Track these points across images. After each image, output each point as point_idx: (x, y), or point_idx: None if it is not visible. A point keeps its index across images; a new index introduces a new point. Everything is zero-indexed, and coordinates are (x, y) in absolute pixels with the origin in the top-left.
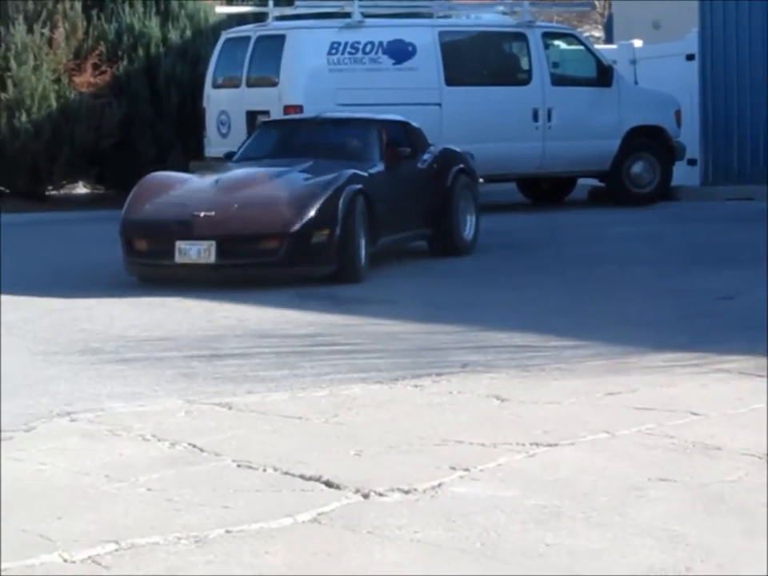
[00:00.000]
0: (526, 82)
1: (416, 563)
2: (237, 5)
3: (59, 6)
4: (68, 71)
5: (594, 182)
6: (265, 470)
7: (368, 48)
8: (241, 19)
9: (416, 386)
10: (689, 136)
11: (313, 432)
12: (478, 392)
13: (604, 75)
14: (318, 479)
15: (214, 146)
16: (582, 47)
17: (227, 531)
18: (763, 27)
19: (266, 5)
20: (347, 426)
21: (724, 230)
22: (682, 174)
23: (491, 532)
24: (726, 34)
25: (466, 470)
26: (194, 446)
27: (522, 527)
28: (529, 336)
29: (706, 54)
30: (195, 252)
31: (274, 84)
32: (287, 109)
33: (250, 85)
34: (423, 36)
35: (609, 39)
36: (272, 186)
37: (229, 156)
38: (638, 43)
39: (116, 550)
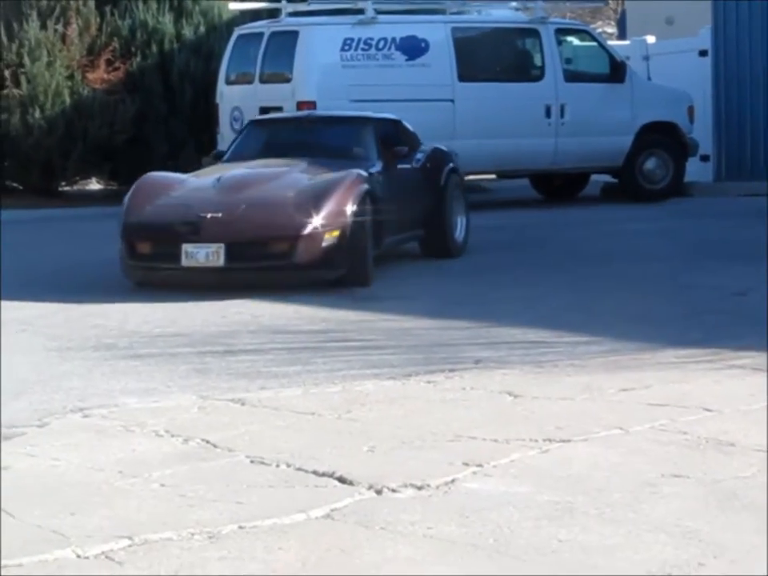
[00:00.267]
0: (538, 78)
1: (429, 559)
2: (250, 1)
3: (72, 3)
4: (81, 67)
5: (607, 178)
6: (278, 466)
7: (381, 44)
8: (254, 15)
9: (429, 382)
10: (702, 132)
11: (326, 428)
12: (491, 388)
13: (617, 71)
14: (330, 475)
15: (227, 143)
16: (594, 43)
17: (240, 527)
18: None
19: (279, 1)
20: (360, 421)
21: (737, 226)
22: (695, 170)
23: (504, 528)
24: (739, 30)
25: (479, 465)
26: (208, 442)
27: (535, 523)
28: (542, 332)
29: (719, 50)
30: (203, 255)
31: (288, 80)
32: (300, 105)
33: (263, 81)
34: (436, 32)
35: (622, 35)
36: (276, 186)
37: (218, 156)
38: (650, 39)
39: (129, 546)
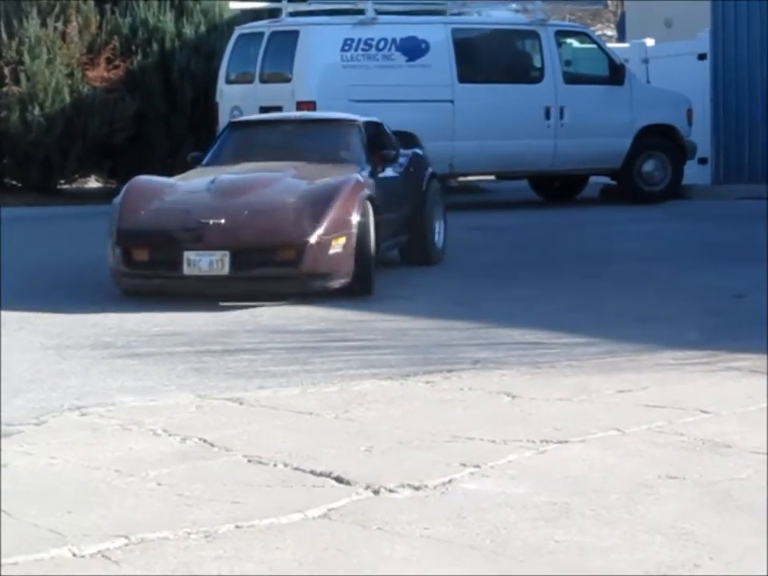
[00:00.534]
0: (538, 79)
1: (426, 559)
2: (251, 1)
3: (73, 1)
4: (81, 65)
5: (606, 179)
6: (275, 466)
7: (381, 45)
8: (255, 15)
9: (427, 383)
10: (700, 135)
11: (323, 428)
12: (489, 389)
13: (616, 74)
14: (328, 475)
15: None
16: (594, 45)
17: (237, 526)
18: None
19: (279, 1)
20: (358, 421)
21: (735, 229)
22: (693, 173)
23: (501, 529)
24: (738, 33)
25: (477, 466)
26: (205, 441)
27: (532, 524)
28: (540, 333)
29: (718, 53)
30: (206, 263)
31: (288, 80)
32: (300, 105)
33: (263, 80)
34: (436, 33)
35: (621, 38)
36: (275, 191)
37: (197, 159)
38: (650, 42)
39: (126, 545)
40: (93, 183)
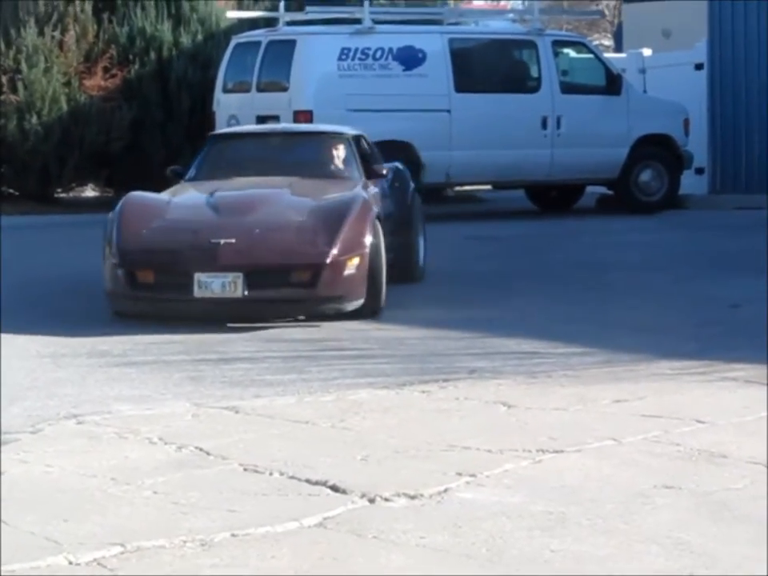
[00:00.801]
0: (535, 89)
1: (422, 568)
2: (248, 10)
3: (70, 9)
4: (78, 74)
5: (603, 189)
6: (271, 474)
7: (378, 54)
8: (252, 24)
9: (423, 392)
10: (697, 145)
11: (320, 436)
12: (485, 398)
13: (613, 84)
14: (324, 483)
15: None
16: (591, 55)
17: (233, 535)
18: None
19: (277, 10)
20: (354, 430)
21: (731, 239)
22: (690, 183)
23: (497, 538)
24: (735, 43)
25: (473, 475)
26: (201, 450)
27: (528, 533)
28: (536, 342)
29: (715, 63)
30: (219, 285)
31: (284, 89)
32: (297, 114)
33: (260, 89)
34: (433, 43)
35: (618, 48)
36: (281, 208)
37: (178, 174)
38: (647, 52)
39: (122, 553)
40: (90, 192)
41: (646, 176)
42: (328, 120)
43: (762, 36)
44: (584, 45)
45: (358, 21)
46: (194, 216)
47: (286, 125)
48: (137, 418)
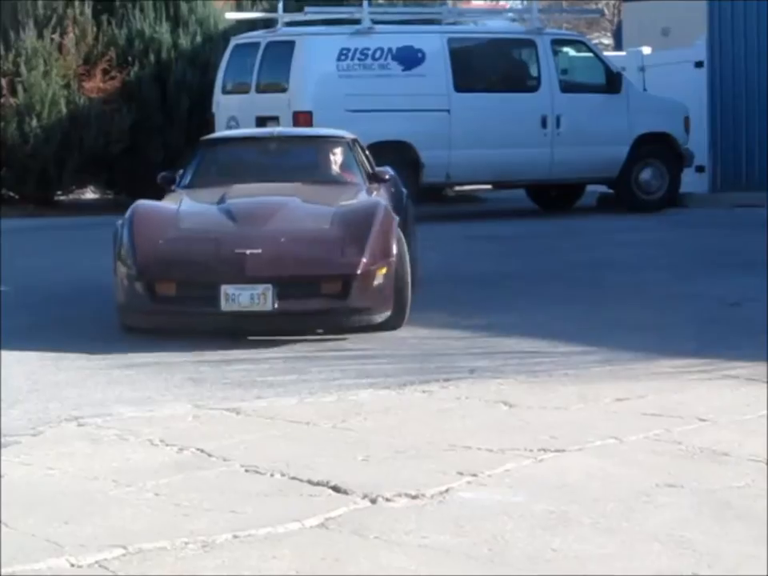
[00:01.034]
0: (534, 88)
1: (423, 569)
2: (247, 11)
3: (69, 12)
4: (78, 77)
5: (603, 188)
6: (273, 475)
7: (377, 54)
8: (251, 25)
9: (424, 392)
10: (697, 143)
11: (321, 437)
12: (486, 398)
13: (613, 82)
14: (325, 484)
15: None
16: (590, 54)
17: (235, 536)
18: None
19: (275, 11)
20: (355, 431)
21: (732, 237)
22: (690, 181)
23: (499, 537)
24: (735, 41)
25: (474, 475)
26: (202, 451)
27: (530, 533)
28: (537, 341)
29: (715, 61)
30: (247, 298)
31: (284, 90)
32: (297, 115)
33: (259, 91)
34: (432, 42)
35: (618, 46)
36: (301, 216)
37: (169, 180)
38: (646, 50)
39: (123, 555)
40: (90, 195)
41: (646, 174)
42: (328, 120)
43: (762, 34)
44: (583, 43)
45: (357, 21)
46: (211, 225)
47: (282, 128)
48: (138, 419)
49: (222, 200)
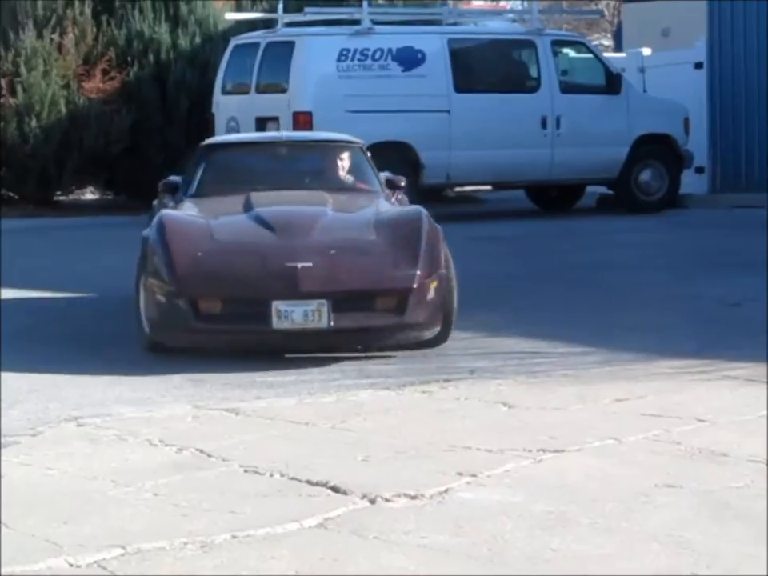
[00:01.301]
0: (534, 89)
1: (423, 569)
2: (246, 11)
3: (69, 12)
4: (77, 77)
5: (603, 189)
6: (272, 476)
7: (377, 55)
8: (250, 25)
9: (424, 392)
10: (697, 144)
11: (320, 438)
12: (486, 398)
13: (613, 83)
14: (324, 484)
15: None
16: (590, 55)
17: (234, 536)
18: None
19: (275, 11)
20: (355, 431)
21: (732, 238)
22: (690, 182)
23: (498, 538)
24: (734, 42)
25: (473, 475)
26: (202, 452)
27: (529, 533)
28: (536, 342)
29: (714, 62)
30: (301, 314)
31: (284, 90)
32: (297, 115)
33: (259, 91)
34: (432, 43)
35: (618, 47)
36: (341, 226)
37: (173, 187)
38: (646, 51)
39: (122, 555)
40: (89, 195)
41: (646, 175)
42: (328, 121)
43: (762, 35)
44: (583, 44)
45: (356, 22)
46: (247, 236)
47: (289, 133)
48: (137, 420)
49: (248, 208)
